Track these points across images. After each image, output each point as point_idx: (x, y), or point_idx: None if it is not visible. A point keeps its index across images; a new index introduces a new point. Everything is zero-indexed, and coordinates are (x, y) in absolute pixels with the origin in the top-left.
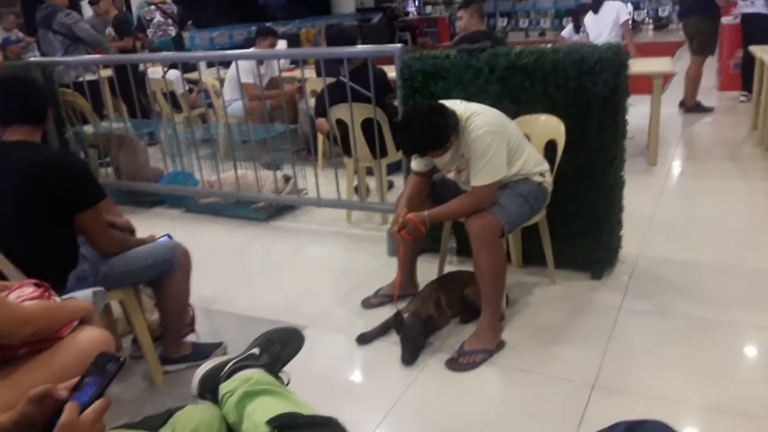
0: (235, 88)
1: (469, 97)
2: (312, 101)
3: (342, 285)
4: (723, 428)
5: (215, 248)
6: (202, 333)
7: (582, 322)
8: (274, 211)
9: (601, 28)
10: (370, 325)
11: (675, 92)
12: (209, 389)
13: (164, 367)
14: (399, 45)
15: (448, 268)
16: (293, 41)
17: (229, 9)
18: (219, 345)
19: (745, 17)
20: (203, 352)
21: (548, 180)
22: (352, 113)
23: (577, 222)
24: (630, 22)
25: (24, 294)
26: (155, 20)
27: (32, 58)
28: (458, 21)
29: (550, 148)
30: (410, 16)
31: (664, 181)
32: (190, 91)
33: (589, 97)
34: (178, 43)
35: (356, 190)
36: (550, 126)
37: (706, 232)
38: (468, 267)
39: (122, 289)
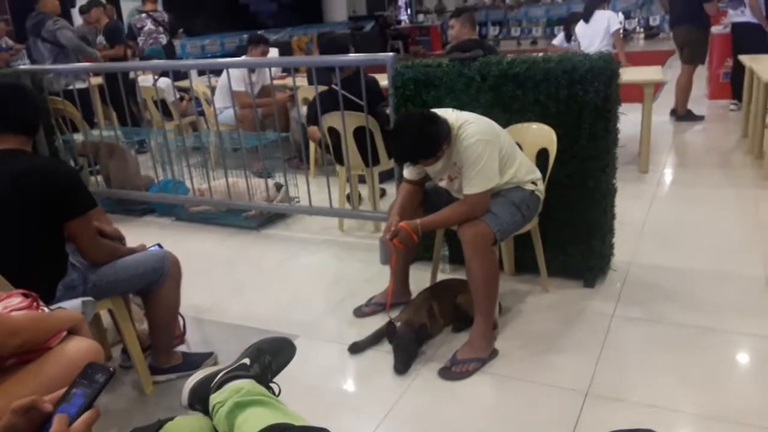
0: (227, 96)
1: (461, 106)
2: (304, 109)
3: (334, 294)
4: None
5: (206, 257)
6: (193, 343)
7: (575, 330)
8: (266, 219)
9: (592, 36)
10: (362, 334)
11: (666, 101)
12: (199, 400)
13: (154, 377)
14: (391, 53)
15: (440, 277)
16: (285, 49)
17: (221, 17)
18: (210, 355)
19: (735, 26)
20: (194, 362)
21: (540, 188)
22: (344, 121)
23: (570, 230)
24: (621, 31)
25: (11, 304)
26: (146, 28)
27: (21, 66)
28: (450, 30)
29: (542, 157)
30: (402, 24)
31: (655, 189)
32: (181, 99)
33: (580, 106)
34: (169, 51)
35: (348, 198)
36: (542, 134)
37: (698, 239)
38: (461, 275)
39: (112, 298)
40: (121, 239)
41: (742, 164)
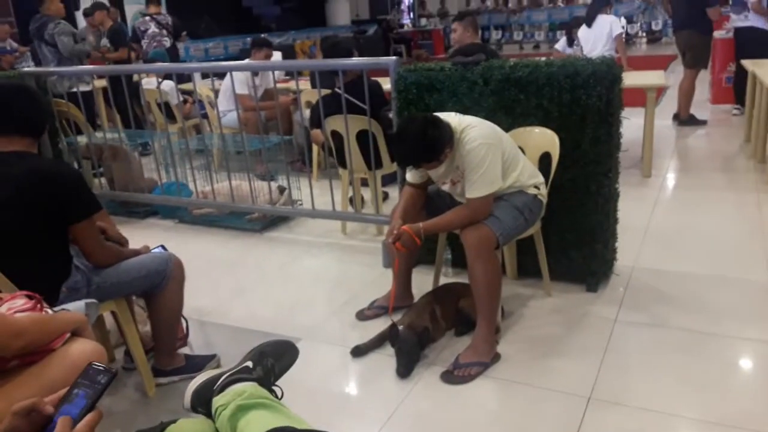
0: (230, 99)
1: (464, 110)
2: (307, 112)
3: (336, 297)
4: None
5: (209, 259)
6: (196, 345)
7: (578, 335)
8: (269, 222)
9: (594, 41)
10: (364, 338)
11: (668, 105)
12: (202, 402)
13: (157, 379)
14: (394, 57)
15: (443, 280)
16: (288, 53)
17: (225, 20)
18: (212, 357)
19: (739, 31)
20: (196, 364)
21: (543, 192)
22: (347, 125)
23: (572, 234)
24: (623, 35)
25: (15, 306)
26: (150, 31)
27: (26, 68)
28: (453, 33)
29: (544, 161)
30: (405, 28)
31: (658, 193)
32: (185, 101)
33: (583, 110)
34: (172, 54)
35: (351, 201)
36: (545, 138)
37: (700, 243)
38: (463, 279)
39: (115, 300)
40: (123, 244)
41: (745, 169)
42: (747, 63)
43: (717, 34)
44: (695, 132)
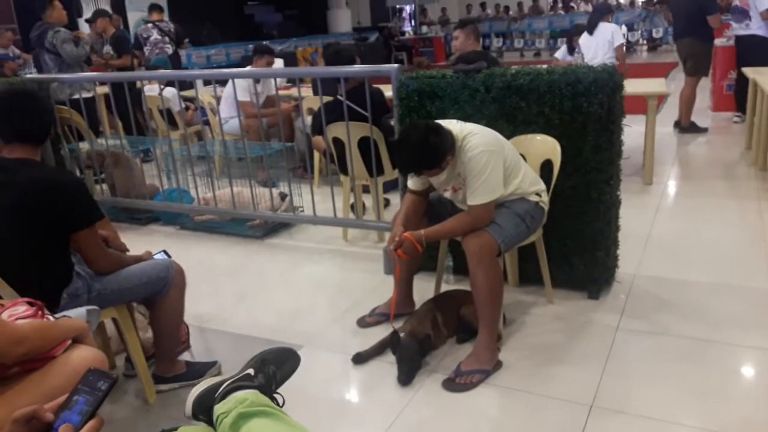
0: (232, 106)
1: (465, 117)
2: (308, 119)
3: (338, 303)
4: None
5: (210, 266)
6: (196, 352)
7: (579, 342)
8: (270, 228)
9: (596, 48)
10: (366, 345)
11: (669, 113)
12: (203, 410)
13: (158, 386)
14: (396, 65)
15: (444, 287)
16: (290, 60)
17: (227, 27)
18: (213, 364)
19: (740, 39)
20: (197, 371)
21: (544, 199)
22: (348, 131)
23: (574, 241)
24: (624, 46)
25: (17, 312)
26: (152, 38)
27: (28, 75)
28: (454, 41)
29: (546, 168)
30: (406, 35)
31: (659, 201)
32: (187, 108)
33: (584, 118)
34: (174, 61)
35: (352, 208)
36: (546, 146)
37: (702, 251)
38: (465, 286)
39: (116, 307)
40: (124, 251)
41: (746, 176)
42: (748, 71)
43: (718, 41)
44: (696, 139)
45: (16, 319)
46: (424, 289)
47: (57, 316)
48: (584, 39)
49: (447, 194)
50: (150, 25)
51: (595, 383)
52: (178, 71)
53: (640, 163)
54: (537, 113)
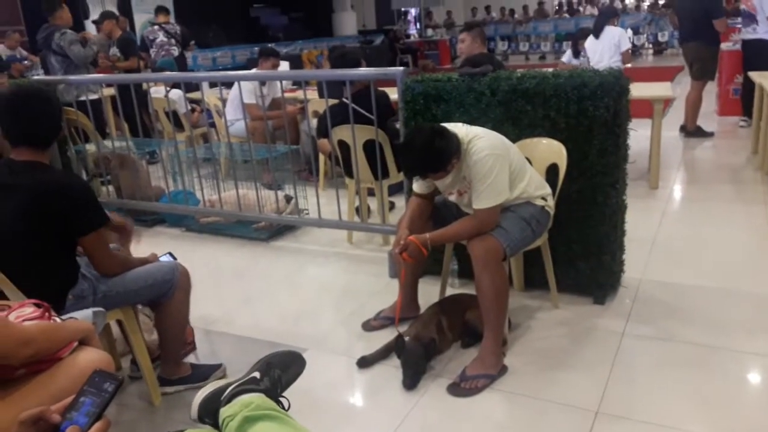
0: (238, 108)
1: (471, 121)
2: (314, 122)
3: (343, 306)
4: None
5: (215, 268)
6: (202, 354)
7: (585, 348)
8: (275, 231)
9: (602, 52)
10: (370, 348)
11: (675, 117)
12: (209, 413)
13: (163, 388)
14: (401, 68)
15: (449, 291)
16: (295, 62)
17: (233, 30)
18: (218, 366)
19: (746, 43)
20: (202, 373)
21: (550, 203)
22: (354, 134)
23: (579, 246)
24: (630, 50)
25: (24, 314)
26: (158, 40)
27: (35, 77)
28: (460, 44)
29: (551, 172)
30: (411, 38)
31: (665, 205)
32: (193, 110)
33: (590, 121)
34: (180, 63)
35: (357, 211)
36: (552, 150)
37: (708, 256)
38: (470, 290)
39: (121, 308)
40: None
41: (753, 180)
42: (754, 75)
43: (724, 45)
44: (702, 144)
45: (24, 320)
46: (429, 292)
47: (63, 317)
48: (590, 42)
49: (452, 198)
50: (156, 27)
51: (600, 389)
52: (184, 73)
53: (645, 167)
54: (543, 117)
